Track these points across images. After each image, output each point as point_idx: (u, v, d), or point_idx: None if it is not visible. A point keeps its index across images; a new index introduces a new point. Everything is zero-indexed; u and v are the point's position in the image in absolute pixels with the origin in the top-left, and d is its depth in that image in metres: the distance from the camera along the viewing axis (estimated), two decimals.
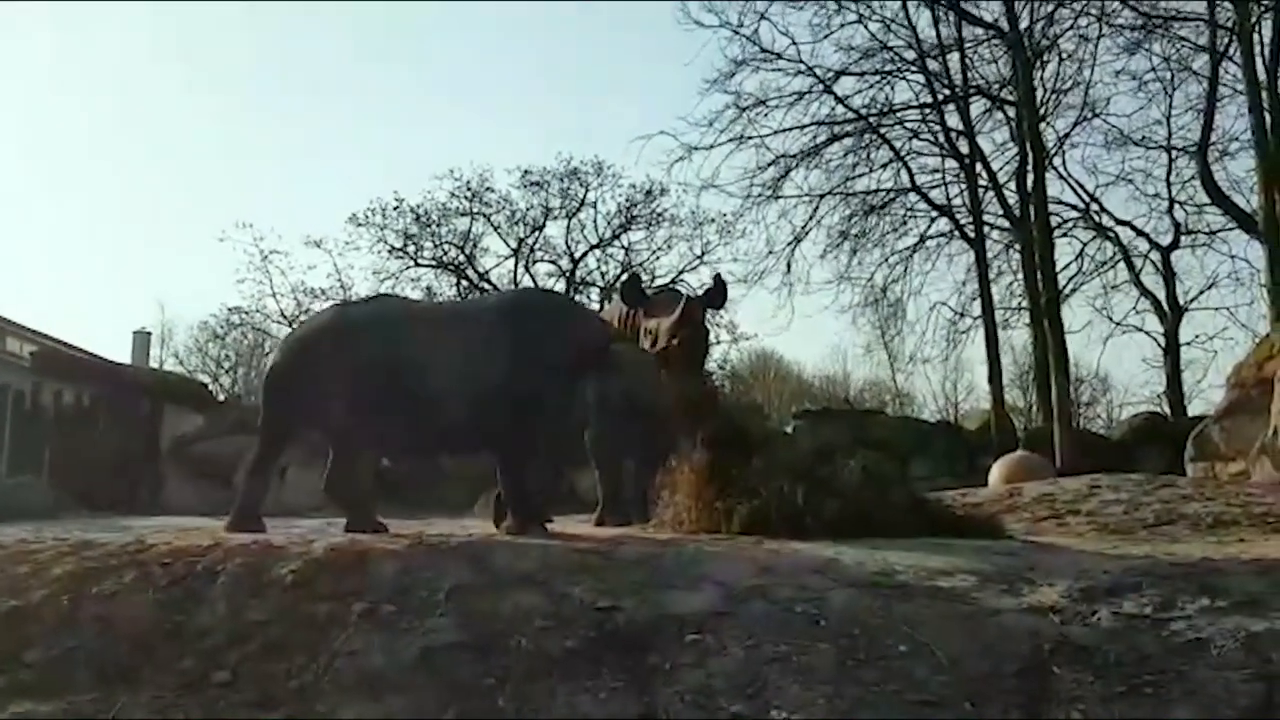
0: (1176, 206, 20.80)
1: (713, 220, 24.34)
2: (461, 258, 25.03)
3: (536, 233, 25.20)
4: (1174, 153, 20.36)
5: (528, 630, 3.81)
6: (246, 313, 25.28)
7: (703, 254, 24.42)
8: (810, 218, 21.52)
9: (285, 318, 24.62)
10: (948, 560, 4.55)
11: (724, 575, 4.24)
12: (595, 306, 22.68)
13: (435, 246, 24.94)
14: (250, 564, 4.22)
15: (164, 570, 4.21)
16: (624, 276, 9.12)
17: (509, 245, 25.17)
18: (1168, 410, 20.15)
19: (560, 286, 25.24)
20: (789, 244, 21.47)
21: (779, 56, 20.81)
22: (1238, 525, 6.59)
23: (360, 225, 24.35)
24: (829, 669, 3.44)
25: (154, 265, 50.76)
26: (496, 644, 3.74)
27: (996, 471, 12.27)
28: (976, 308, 20.47)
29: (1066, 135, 20.99)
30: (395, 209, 24.38)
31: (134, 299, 53.71)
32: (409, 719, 3.33)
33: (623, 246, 25.44)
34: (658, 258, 25.01)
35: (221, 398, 23.88)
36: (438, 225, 24.74)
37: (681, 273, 24.47)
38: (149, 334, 28.46)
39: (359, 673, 3.55)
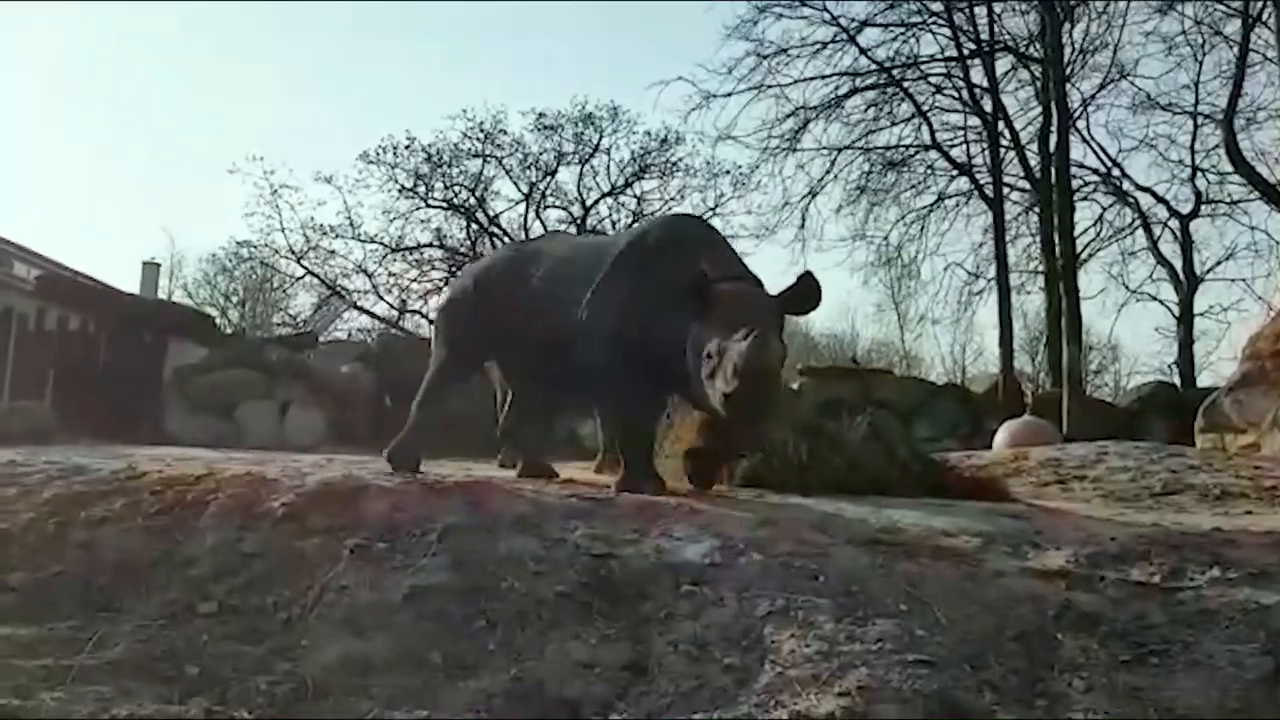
0: (1199, 174, 20.45)
1: (728, 172, 24.04)
2: (472, 200, 24.77)
3: (549, 178, 24.90)
4: (1200, 119, 19.98)
5: (520, 574, 3.74)
6: (255, 247, 25.12)
7: (716, 205, 24.15)
8: (827, 171, 21.21)
9: (293, 253, 24.46)
10: (951, 521, 4.47)
11: (723, 527, 4.16)
12: None
13: (446, 188, 24.66)
14: (242, 495, 4.15)
15: (154, 498, 4.15)
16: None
17: (520, 190, 24.90)
18: (1177, 381, 19.97)
19: (571, 232, 25.03)
20: (804, 197, 21.18)
21: (804, 4, 20.41)
22: (1246, 498, 6.48)
23: (371, 163, 24.08)
24: (826, 625, 3.36)
25: (166, 196, 50.55)
26: (487, 586, 3.67)
27: (1002, 435, 12.16)
28: (991, 270, 20.22)
29: (1092, 97, 20.59)
30: (407, 148, 24.09)
31: (146, 229, 53.51)
32: (394, 657, 3.27)
33: (635, 195, 25.15)
34: (670, 207, 24.73)
35: (228, 331, 23.83)
36: (449, 166, 24.44)
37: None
38: (158, 265, 28.43)
39: (346, 609, 3.49)
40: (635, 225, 6.56)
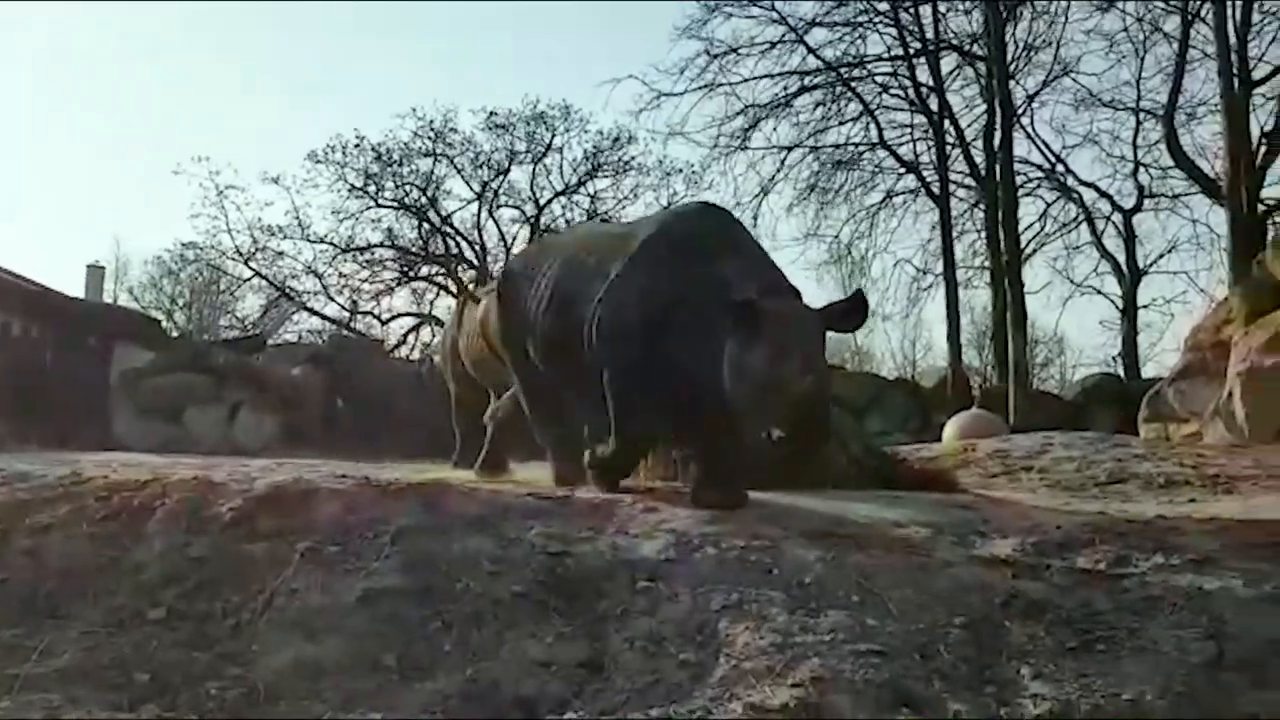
0: (1141, 169, 20.89)
1: (680, 170, 24.13)
2: (423, 200, 24.61)
3: (501, 177, 24.81)
4: (1141, 115, 20.41)
5: (476, 574, 3.73)
6: (201, 249, 24.77)
7: (669, 204, 24.20)
8: (778, 170, 21.42)
9: (240, 254, 24.18)
10: (901, 512, 4.53)
11: (678, 524, 4.18)
12: None
13: (396, 187, 24.48)
14: (189, 500, 4.09)
15: (100, 504, 4.08)
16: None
17: (472, 189, 24.80)
18: (1121, 372, 20.36)
19: (524, 233, 24.95)
20: (756, 195, 21.34)
21: (753, 3, 20.59)
22: (1189, 485, 6.63)
23: (319, 162, 23.86)
24: (780, 617, 3.39)
25: (111, 199, 49.60)
26: (442, 587, 3.66)
27: (951, 428, 12.35)
28: (939, 266, 20.50)
29: (1035, 94, 20.95)
30: (356, 147, 23.90)
31: (91, 233, 52.49)
32: (347, 660, 3.24)
33: (589, 194, 25.16)
34: (624, 207, 24.76)
35: (175, 334, 23.46)
36: (399, 165, 24.28)
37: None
38: (103, 268, 27.84)
39: (298, 613, 3.45)
40: (658, 215, 5.85)
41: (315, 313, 25.03)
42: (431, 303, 25.66)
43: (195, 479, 4.36)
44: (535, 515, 4.23)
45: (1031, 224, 21.19)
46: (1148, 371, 20.01)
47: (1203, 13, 18.11)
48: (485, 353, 8.00)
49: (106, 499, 4.12)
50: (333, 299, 24.90)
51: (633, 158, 24.53)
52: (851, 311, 4.47)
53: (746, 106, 20.94)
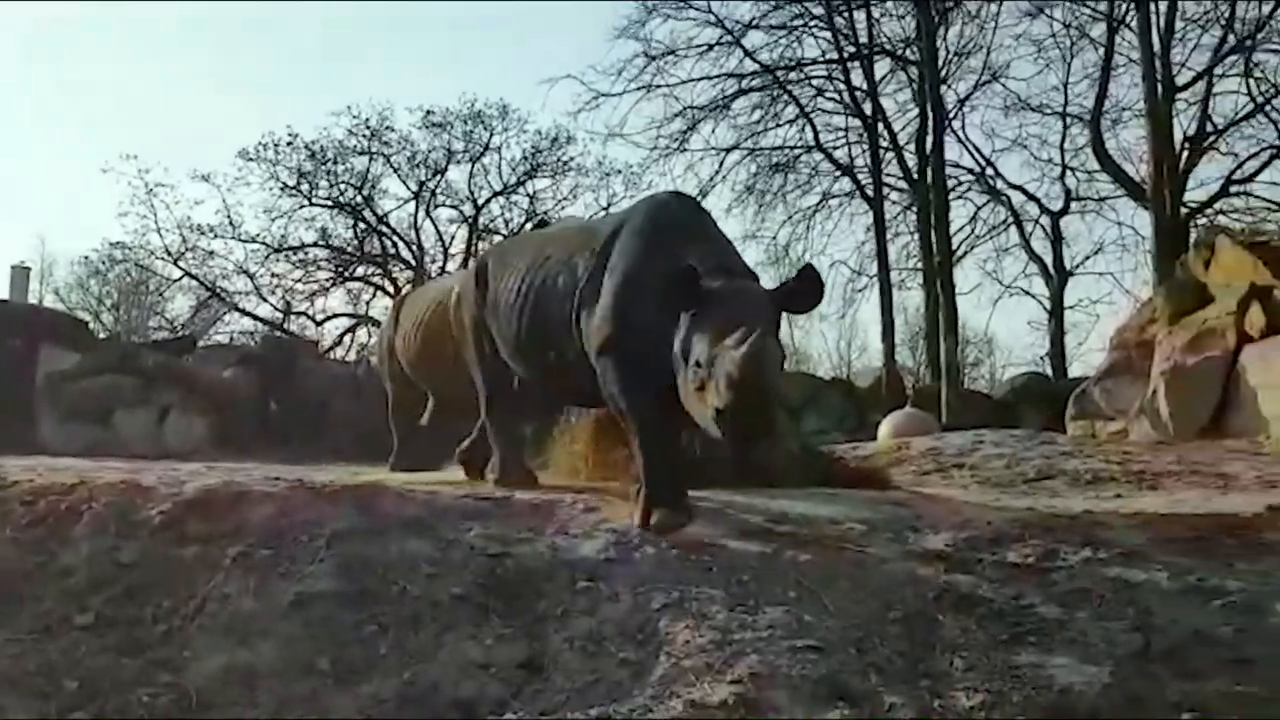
0: (1068, 173, 21.35)
1: (619, 171, 24.11)
2: (359, 198, 24.28)
3: (438, 176, 24.55)
4: (1068, 120, 20.86)
5: (414, 577, 3.70)
6: (129, 248, 24.18)
7: (609, 205, 24.19)
8: (717, 172, 21.52)
9: (170, 254, 23.64)
10: (838, 510, 4.58)
11: (618, 522, 4.18)
12: None
13: (331, 185, 24.10)
14: (117, 504, 4.00)
15: (25, 509, 3.97)
16: (533, 224, 7.58)
17: (409, 188, 24.51)
18: (1049, 371, 20.81)
19: (462, 233, 24.76)
20: (695, 197, 21.37)
21: (689, 5, 20.64)
22: (1115, 481, 6.79)
23: (251, 160, 23.39)
24: (719, 615, 3.41)
25: (36, 199, 48.18)
26: (378, 590, 3.62)
27: (885, 427, 12.51)
28: (873, 267, 20.76)
29: (966, 98, 21.32)
30: (289, 144, 23.49)
31: (14, 233, 50.91)
32: (280, 665, 3.20)
33: (528, 194, 25.01)
34: (563, 207, 24.67)
35: (102, 335, 22.87)
36: (334, 163, 23.89)
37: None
38: (28, 269, 27.03)
39: (230, 618, 3.40)
40: (631, 207, 5.54)
41: (247, 313, 24.59)
42: (368, 303, 25.35)
43: (123, 483, 4.27)
44: (474, 516, 4.20)
45: (962, 226, 21.61)
46: (1074, 371, 20.51)
47: (1128, 19, 18.57)
48: (423, 353, 7.94)
49: (32, 503, 4.01)
50: (265, 299, 24.48)
51: (572, 158, 24.46)
52: (802, 290, 4.27)
53: (685, 108, 21.03)
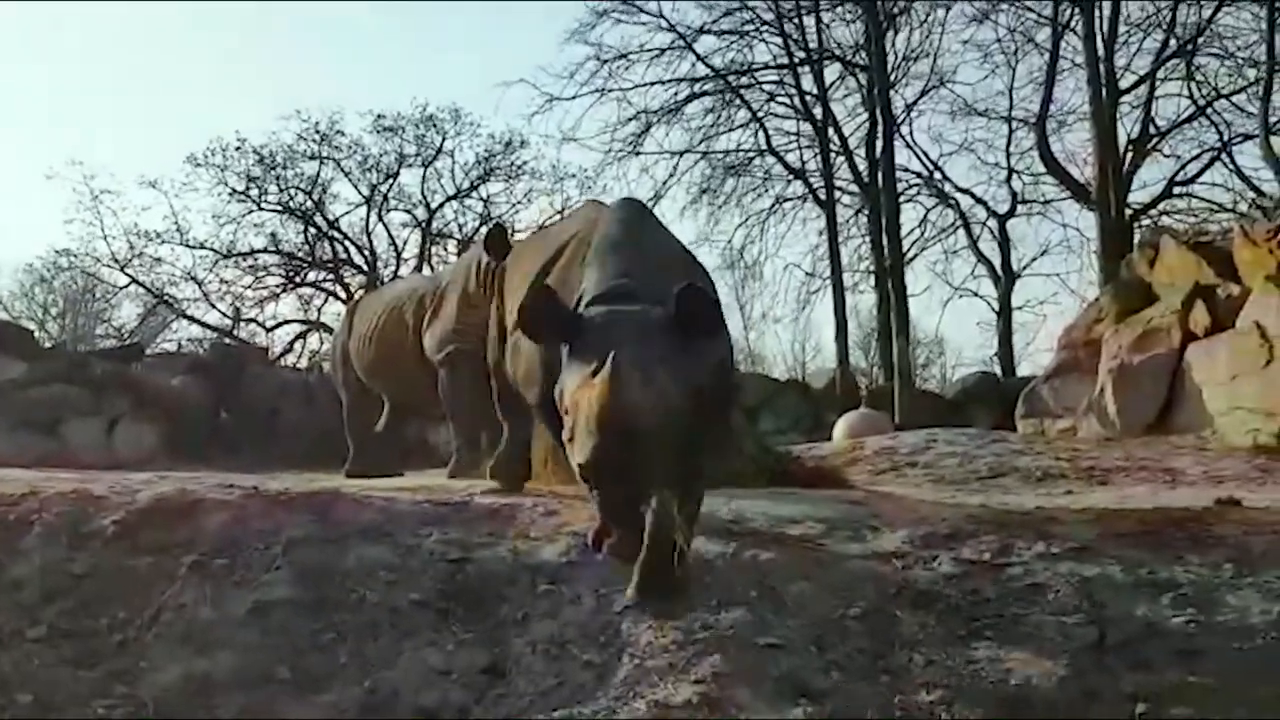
0: (1014, 176, 21.67)
1: (573, 175, 24.09)
2: (309, 203, 24.03)
3: (390, 180, 24.37)
4: (1014, 123, 21.18)
5: (372, 584, 3.67)
6: (75, 255, 23.72)
7: (564, 209, 24.16)
8: (670, 175, 21.59)
9: (116, 261, 23.23)
10: (796, 509, 4.61)
11: (578, 525, 4.18)
12: (453, 260, 22.19)
13: (281, 190, 23.81)
14: (69, 514, 3.92)
15: None
16: (489, 226, 7.48)
17: (361, 193, 24.30)
18: (999, 371, 21.11)
19: (415, 238, 24.58)
20: (650, 200, 21.45)
21: (641, 10, 20.70)
22: (1065, 478, 6.93)
23: (199, 165, 23.07)
24: (680, 615, 3.42)
25: None
26: (337, 598, 3.59)
27: (840, 427, 12.63)
28: (826, 270, 20.94)
29: (914, 103, 21.57)
30: (237, 149, 23.17)
31: None
32: (238, 675, 3.15)
33: (481, 198, 24.89)
34: (518, 211, 24.57)
35: (48, 344, 22.39)
36: (283, 168, 23.61)
37: (543, 227, 24.06)
38: None
39: (186, 627, 3.35)
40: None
41: (196, 320, 24.24)
42: (319, 309, 25.07)
43: (74, 492, 4.18)
44: (433, 522, 4.17)
45: (912, 229, 21.85)
46: (1023, 370, 20.79)
47: (1073, 24, 18.93)
48: (379, 358, 7.88)
49: None
50: (214, 306, 24.15)
51: (526, 162, 24.40)
52: (692, 315, 3.51)
53: (638, 112, 21.09)
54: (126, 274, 23.56)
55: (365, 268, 24.14)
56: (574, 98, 20.72)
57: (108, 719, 2.92)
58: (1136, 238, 16.23)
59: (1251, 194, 17.40)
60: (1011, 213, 21.93)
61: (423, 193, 24.55)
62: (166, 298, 23.86)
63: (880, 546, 4.11)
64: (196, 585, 3.54)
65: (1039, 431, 10.37)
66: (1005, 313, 21.87)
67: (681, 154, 21.55)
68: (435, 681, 3.21)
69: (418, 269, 22.85)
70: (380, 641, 3.38)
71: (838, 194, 21.21)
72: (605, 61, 20.71)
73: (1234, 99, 18.57)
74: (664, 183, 21.51)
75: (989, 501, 5.37)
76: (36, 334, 20.27)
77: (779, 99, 21.83)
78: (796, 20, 21.11)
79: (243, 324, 24.46)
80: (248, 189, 23.46)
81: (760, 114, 21.58)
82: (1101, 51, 17.74)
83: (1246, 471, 6.88)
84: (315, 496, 4.41)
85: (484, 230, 8.44)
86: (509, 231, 7.39)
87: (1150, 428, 9.22)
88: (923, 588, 3.73)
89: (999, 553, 3.96)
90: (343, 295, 23.80)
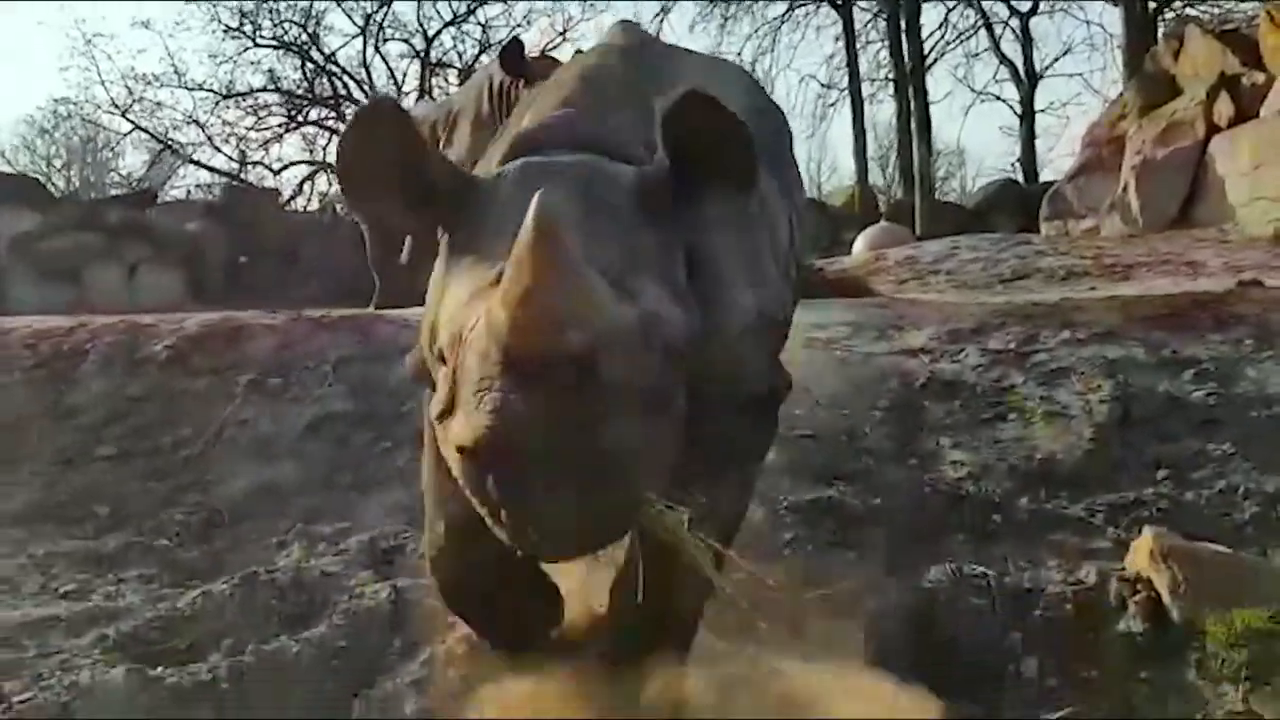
0: None
1: None
2: (304, 36, 23.36)
3: (385, 8, 23.59)
4: None
5: (419, 397, 3.80)
6: (74, 103, 23.34)
7: (565, 30, 23.42)
8: None
9: (116, 107, 22.83)
10: (821, 315, 4.68)
11: None
12: (453, 89, 21.70)
13: (275, 25, 23.08)
14: (120, 342, 4.05)
15: (28, 352, 4.02)
16: (505, 42, 7.15)
17: (355, 23, 23.55)
18: (1021, 178, 20.82)
19: (415, 69, 23.99)
20: (657, 15, 20.76)
21: None
22: (1088, 275, 6.98)
23: (190, 1, 22.40)
24: None
25: None
26: (387, 411, 3.73)
27: (861, 243, 12.59)
28: (843, 80, 20.40)
29: None
30: None
31: None
32: (303, 481, 3.34)
33: (479, 23, 24.09)
34: (516, 34, 23.82)
35: (57, 196, 22.32)
36: (276, 1, 22.93)
37: (544, 52, 23.38)
38: None
39: (249, 442, 3.52)
40: None
41: (203, 165, 23.99)
42: (324, 148, 24.72)
43: (123, 322, 4.31)
44: None
45: (932, 32, 21.10)
46: (1046, 176, 20.52)
47: None
48: None
49: (34, 346, 4.06)
50: (219, 149, 23.83)
51: None
52: (697, 159, 1.92)
53: None
54: (128, 120, 23.18)
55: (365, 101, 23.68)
56: None
57: (186, 523, 3.11)
58: (1160, 30, 15.72)
59: None
60: (1034, 10, 21.14)
61: (419, 19, 23.76)
62: (171, 143, 23.58)
63: (907, 344, 4.21)
64: (255, 403, 3.69)
65: (1063, 233, 10.34)
66: (1028, 116, 21.38)
67: None
68: None
69: (418, 100, 22.41)
70: None
71: None
72: None
73: None
74: None
75: (1014, 299, 5.44)
76: (45, 185, 20.23)
77: None
78: None
79: (249, 167, 24.22)
80: (241, 25, 22.78)
81: None
82: None
83: (1267, 261, 6.89)
84: (356, 319, 4.53)
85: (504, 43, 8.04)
86: (524, 47, 7.16)
87: (1173, 222, 9.17)
88: (949, 379, 3.84)
89: (1024, 342, 4.05)
90: None
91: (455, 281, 1.86)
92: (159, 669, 2.27)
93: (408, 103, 22.70)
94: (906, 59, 17.69)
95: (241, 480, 3.33)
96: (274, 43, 23.26)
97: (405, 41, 24.07)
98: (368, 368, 3.98)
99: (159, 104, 23.24)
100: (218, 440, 3.51)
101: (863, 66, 20.08)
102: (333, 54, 23.77)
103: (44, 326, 4.29)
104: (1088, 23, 20.84)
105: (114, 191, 23.02)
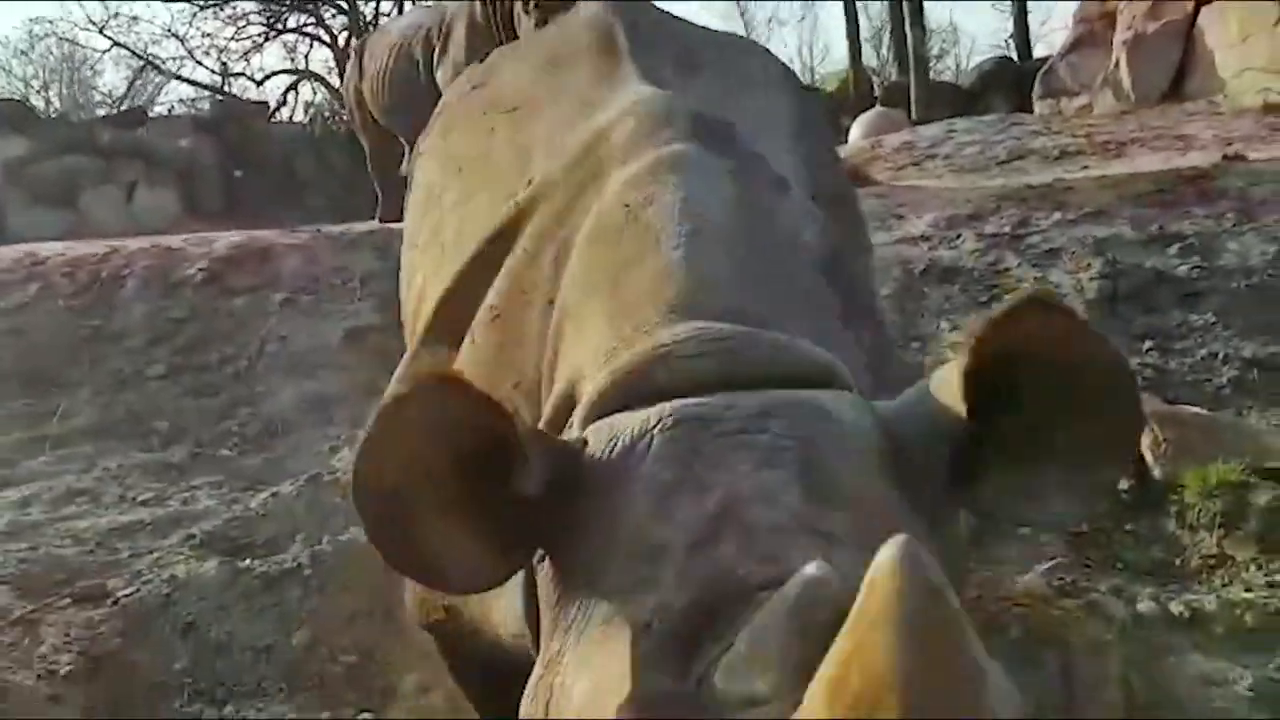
0: None
1: None
2: None
3: None
4: None
5: None
6: (50, 21, 22.95)
7: None
8: None
9: (93, 24, 22.48)
10: None
11: None
12: None
13: None
14: (156, 266, 4.24)
15: (67, 280, 4.20)
16: None
17: None
18: (1014, 55, 20.57)
19: None
20: None
21: None
22: (1082, 154, 7.08)
23: None
24: None
25: None
26: None
27: (857, 129, 12.57)
28: None
29: None
30: None
31: None
32: (347, 391, 3.55)
33: None
34: None
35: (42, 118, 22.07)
36: None
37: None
38: None
39: (291, 356, 3.72)
40: None
41: (185, 79, 23.68)
42: (305, 56, 24.34)
43: (154, 246, 4.48)
44: None
45: None
46: (1038, 52, 20.28)
47: None
48: (393, 97, 7.83)
49: (72, 274, 4.24)
50: (200, 63, 23.49)
51: None
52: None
53: None
54: (105, 36, 22.83)
55: (345, 5, 23.23)
56: None
57: (242, 434, 3.34)
58: None
59: None
60: None
61: None
62: (151, 59, 23.25)
63: (907, 232, 4.38)
64: (291, 319, 3.89)
65: (1056, 111, 10.36)
66: None
67: None
68: None
69: (398, 4, 21.99)
70: None
71: None
72: None
73: None
74: None
75: (1009, 183, 5.58)
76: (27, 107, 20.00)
77: None
78: None
79: (232, 79, 23.90)
80: None
81: None
82: None
83: (1256, 131, 7.00)
84: (374, 234, 4.70)
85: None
86: None
87: (1164, 96, 9.22)
88: (948, 264, 4.03)
89: (1019, 225, 4.23)
90: (326, 39, 23.06)
91: (594, 657, 0.99)
92: (247, 561, 2.52)
93: (385, 5, 22.38)
94: None
95: (288, 393, 3.55)
96: None
97: None
98: (392, 282, 4.16)
99: (135, 18, 22.85)
100: (260, 355, 3.72)
101: None
102: None
103: (76, 254, 4.46)
104: None
105: (100, 112, 22.79)
